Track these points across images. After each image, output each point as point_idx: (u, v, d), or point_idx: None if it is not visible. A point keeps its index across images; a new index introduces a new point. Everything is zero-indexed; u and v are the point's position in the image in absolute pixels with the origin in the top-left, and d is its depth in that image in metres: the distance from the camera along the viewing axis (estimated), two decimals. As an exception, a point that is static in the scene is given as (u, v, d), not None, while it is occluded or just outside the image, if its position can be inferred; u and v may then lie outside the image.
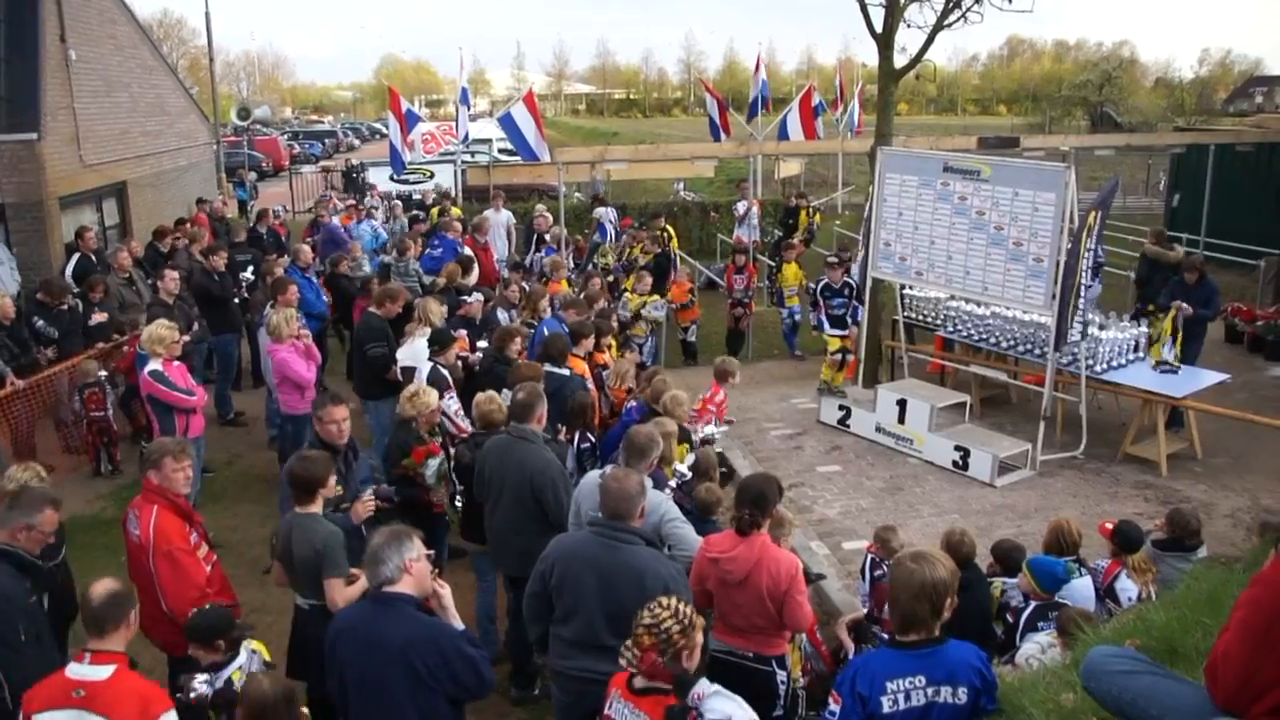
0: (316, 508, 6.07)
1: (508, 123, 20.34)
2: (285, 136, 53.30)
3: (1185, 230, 22.33)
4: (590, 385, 9.91)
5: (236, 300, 13.82)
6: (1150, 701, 3.48)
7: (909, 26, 14.06)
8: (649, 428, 6.56)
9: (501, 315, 12.15)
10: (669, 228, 18.72)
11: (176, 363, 9.65)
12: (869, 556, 7.73)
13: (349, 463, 6.74)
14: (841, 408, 13.18)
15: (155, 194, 20.46)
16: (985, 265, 12.21)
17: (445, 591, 4.93)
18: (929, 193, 12.73)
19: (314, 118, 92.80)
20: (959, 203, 12.40)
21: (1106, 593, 7.20)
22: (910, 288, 14.25)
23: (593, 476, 6.58)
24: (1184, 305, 12.88)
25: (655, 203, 26.39)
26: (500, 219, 18.74)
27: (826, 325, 13.90)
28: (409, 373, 9.87)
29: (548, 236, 17.53)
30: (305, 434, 10.50)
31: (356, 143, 63.46)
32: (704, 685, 4.57)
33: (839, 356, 13.93)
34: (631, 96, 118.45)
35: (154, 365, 9.42)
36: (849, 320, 14.13)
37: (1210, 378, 12.57)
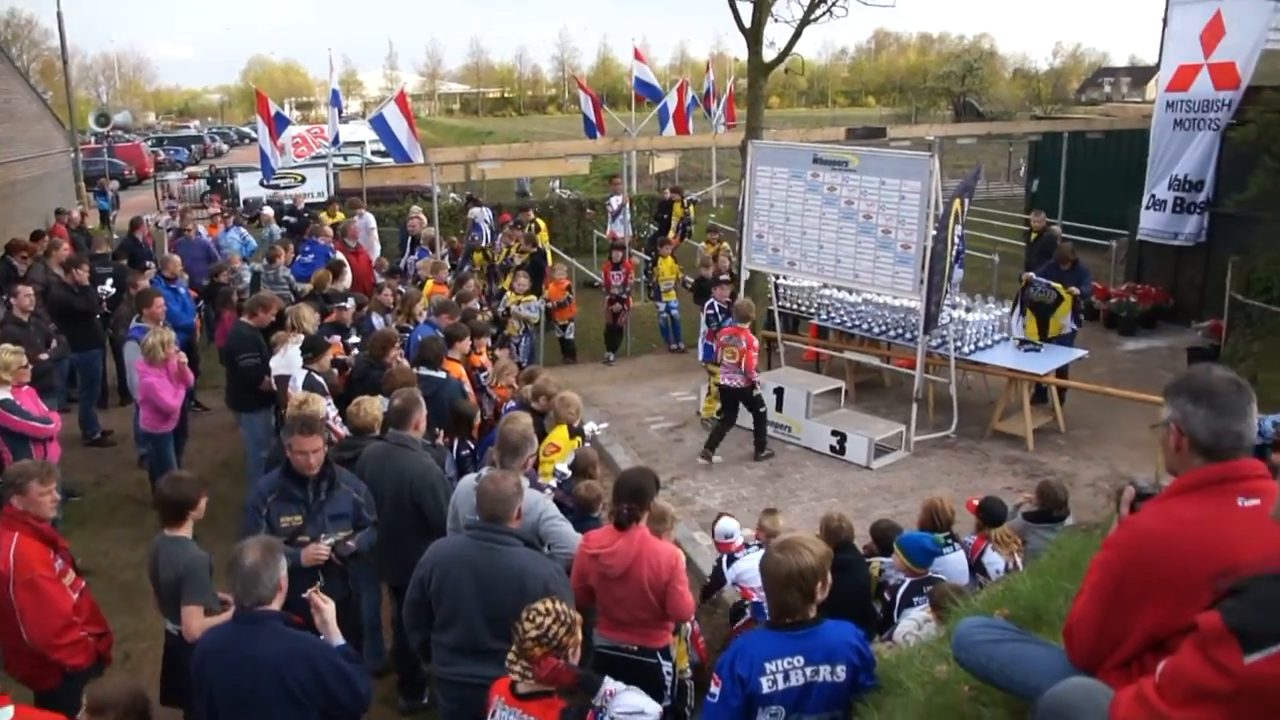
0: (185, 531, 5.92)
1: (380, 124, 20.04)
2: (149, 142, 51.61)
3: (1044, 213, 23.11)
4: (468, 388, 9.83)
5: (99, 314, 13.33)
6: (1014, 667, 3.59)
7: (777, 21, 14.34)
8: (521, 425, 6.53)
9: (376, 320, 11.95)
10: (538, 220, 18.64)
11: (26, 387, 9.12)
12: (723, 556, 7.69)
13: (319, 493, 6.38)
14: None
15: (8, 205, 19.58)
16: (855, 253, 12.46)
17: (328, 607, 4.83)
18: (799, 184, 12.93)
19: (178, 123, 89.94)
20: (829, 193, 12.62)
21: (975, 567, 7.42)
22: (784, 278, 14.47)
23: (469, 480, 6.53)
24: (1032, 277, 13.47)
25: (532, 201, 26.28)
26: (363, 223, 18.42)
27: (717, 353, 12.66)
28: (283, 382, 9.64)
29: (422, 239, 17.32)
30: (168, 453, 10.29)
31: (225, 148, 61.78)
32: (611, 683, 4.62)
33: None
34: (506, 95, 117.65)
35: (3, 394, 8.84)
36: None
37: (1069, 354, 13.06)
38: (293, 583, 4.81)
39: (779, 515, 7.97)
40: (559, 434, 8.47)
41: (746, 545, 7.64)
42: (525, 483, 6.13)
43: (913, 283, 12.03)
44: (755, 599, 7.03)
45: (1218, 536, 3.20)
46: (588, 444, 8.63)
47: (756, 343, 11.79)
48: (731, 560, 7.55)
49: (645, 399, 14.40)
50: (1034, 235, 16.07)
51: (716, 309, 13.01)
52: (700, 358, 13.49)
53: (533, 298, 14.62)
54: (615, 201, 20.54)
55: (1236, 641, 2.71)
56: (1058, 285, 13.33)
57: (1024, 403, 12.41)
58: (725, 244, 16.93)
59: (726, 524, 7.94)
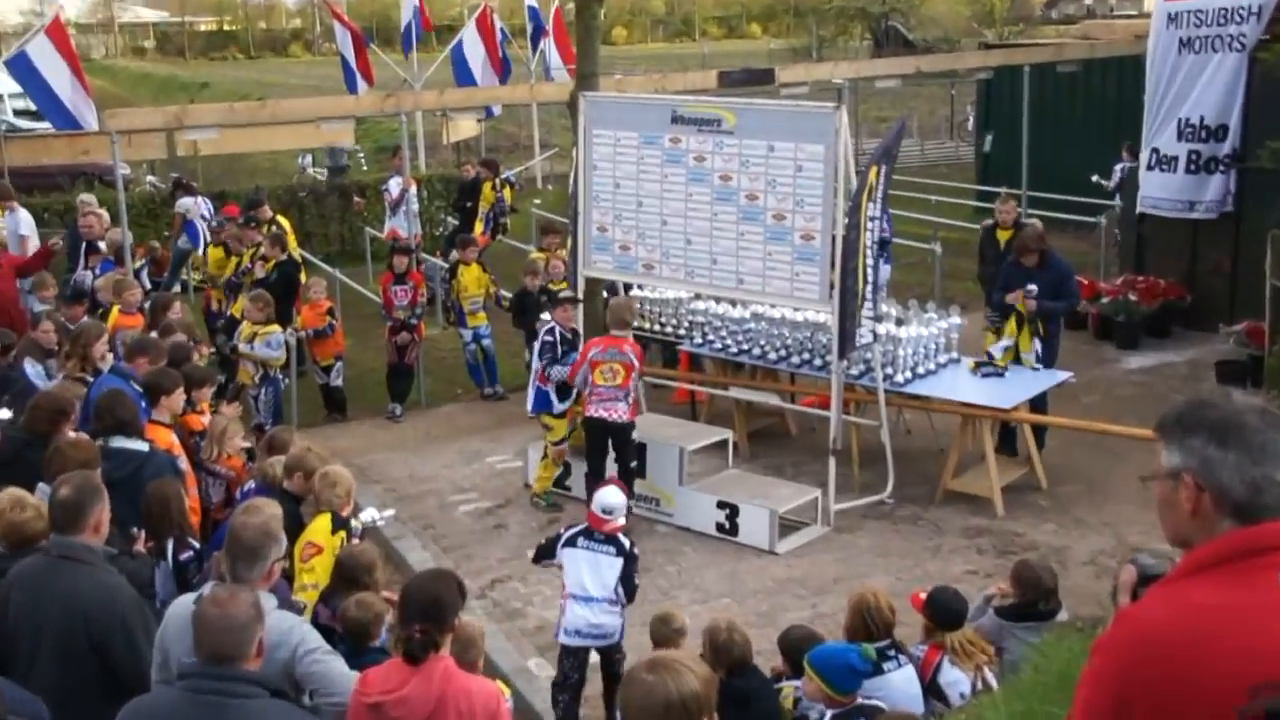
0: None
1: (24, 69, 19.08)
2: None
3: (1003, 182, 23.81)
4: (184, 464, 9.64)
5: None
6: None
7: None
8: (262, 517, 6.41)
9: (31, 370, 11.61)
10: (280, 219, 18.44)
11: None
12: None
13: None
14: (546, 495, 13.34)
15: None
16: (738, 250, 12.69)
17: None
18: (654, 153, 13.12)
19: None
20: (695, 165, 12.83)
21: (930, 688, 7.55)
22: (638, 288, 14.57)
23: (184, 604, 6.35)
24: (1030, 289, 13.38)
25: (270, 187, 25.97)
26: (11, 223, 17.78)
27: (555, 400, 13.09)
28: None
29: (103, 245, 16.87)
30: None
31: None
32: None
33: (566, 443, 13.24)
34: (227, 28, 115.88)
35: None
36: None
37: (1048, 378, 13.50)
38: None
39: (676, 616, 8.13)
40: (320, 527, 8.35)
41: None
42: (270, 603, 6.00)
43: (819, 288, 12.29)
44: None
45: (1253, 633, 3.19)
46: (358, 538, 8.54)
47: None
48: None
49: (450, 468, 14.40)
50: (1001, 233, 15.13)
51: (557, 336, 13.02)
52: (530, 409, 13.51)
53: (277, 328, 14.44)
54: (394, 185, 20.48)
55: None
56: (1018, 300, 13.40)
57: (987, 450, 12.77)
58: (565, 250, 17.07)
59: (610, 496, 9.29)
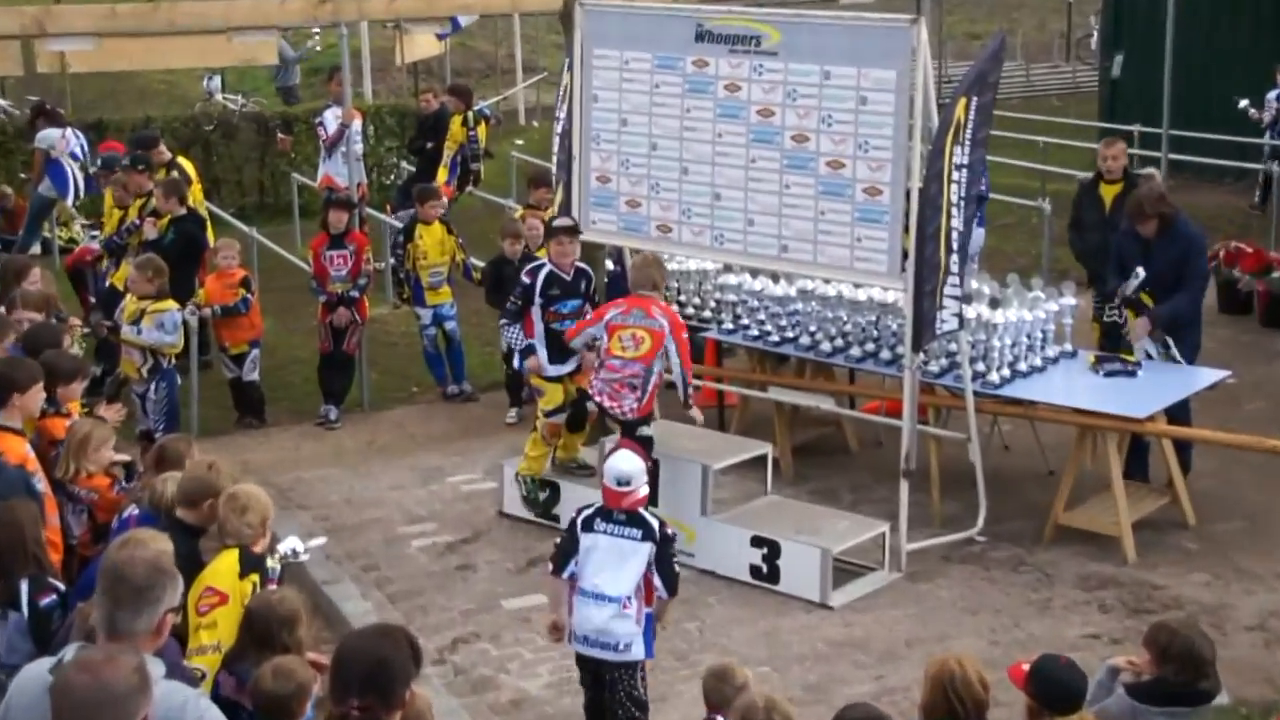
0: None
1: None
2: None
3: (1135, 117, 23.76)
4: (42, 484, 9.64)
5: None
6: None
7: None
8: (148, 554, 6.36)
9: None
10: (180, 161, 18.36)
11: None
12: None
13: None
14: (542, 484, 13.31)
15: None
16: (781, 208, 12.67)
17: None
18: (673, 81, 13.08)
19: None
20: (726, 96, 12.79)
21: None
22: (653, 254, 14.58)
23: (35, 674, 6.29)
24: (1133, 280, 13.38)
25: (166, 118, 25.93)
26: None
27: (545, 362, 13.28)
28: None
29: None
30: None
31: None
32: None
33: (563, 415, 13.39)
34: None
35: None
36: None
37: (1197, 378, 13.46)
38: None
39: (737, 674, 8.24)
40: (224, 569, 8.30)
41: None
42: (157, 669, 5.95)
43: (889, 258, 12.23)
44: None
45: None
46: (276, 582, 8.50)
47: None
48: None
49: (400, 491, 14.39)
50: (1106, 189, 14.96)
51: (540, 279, 13.03)
52: (516, 363, 13.80)
53: (173, 305, 14.41)
54: (331, 119, 20.37)
55: None
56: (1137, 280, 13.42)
57: (1113, 473, 12.68)
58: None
59: (623, 462, 9.66)
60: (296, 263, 18.67)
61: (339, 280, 16.07)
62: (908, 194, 11.99)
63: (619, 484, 9.52)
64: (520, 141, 26.16)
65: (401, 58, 32.92)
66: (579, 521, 9.64)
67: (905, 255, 12.05)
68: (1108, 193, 14.83)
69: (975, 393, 12.88)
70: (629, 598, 9.34)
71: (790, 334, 14.07)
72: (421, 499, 14.22)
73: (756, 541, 12.22)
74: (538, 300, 13.05)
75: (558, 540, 9.96)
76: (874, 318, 13.55)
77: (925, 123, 11.94)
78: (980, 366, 13.05)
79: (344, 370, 16.45)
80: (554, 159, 14.90)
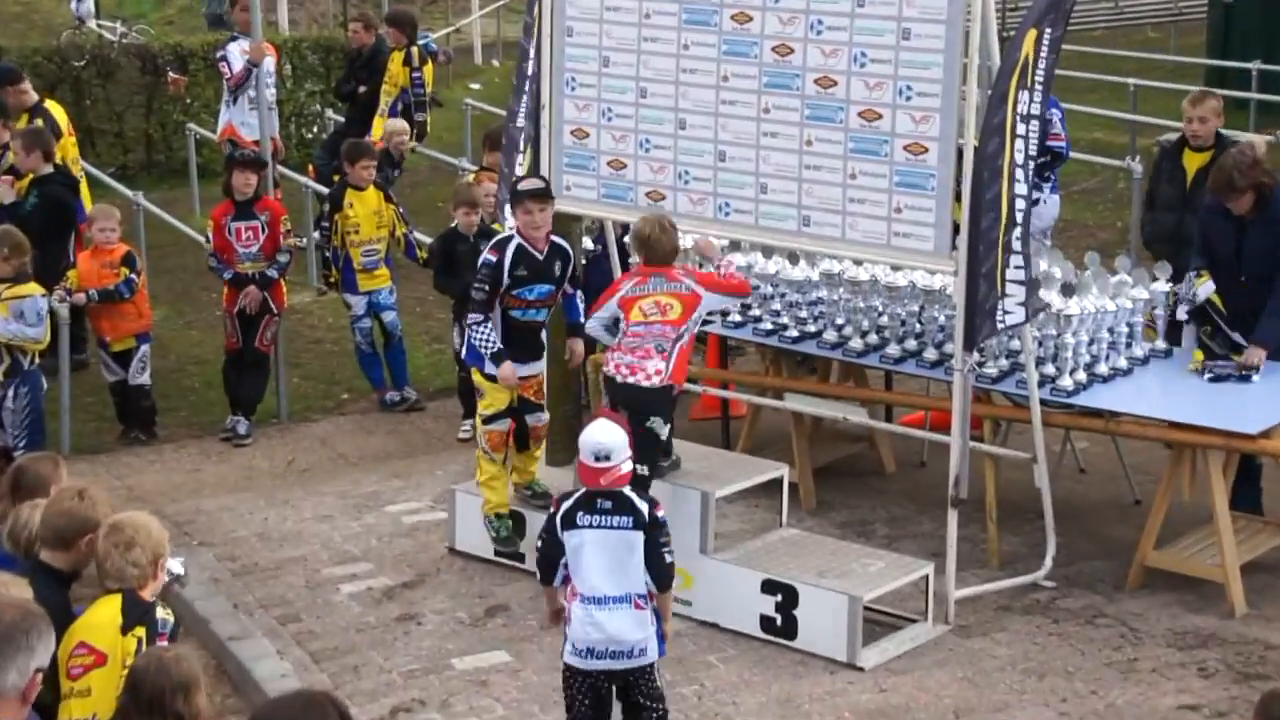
0: None
1: None
2: None
3: (1254, 53, 23.77)
4: None
5: None
6: None
7: None
8: (7, 596, 6.46)
9: None
10: (52, 109, 18.35)
11: None
12: None
13: None
14: (501, 516, 13.28)
15: None
16: (802, 170, 12.68)
17: None
18: (668, 10, 13.11)
19: None
20: (734, 29, 12.82)
21: None
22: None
23: None
24: (1194, 282, 13.48)
25: (22, 50, 25.95)
26: None
27: (487, 361, 12.91)
28: None
29: None
30: None
31: None
32: None
33: (505, 422, 13.11)
34: None
35: None
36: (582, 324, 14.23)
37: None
38: None
39: None
40: (102, 620, 8.30)
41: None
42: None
43: (936, 234, 12.22)
44: None
45: None
46: (167, 636, 8.46)
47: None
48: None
49: (327, 523, 14.44)
50: (1191, 158, 14.88)
51: (507, 255, 12.61)
52: (463, 354, 13.83)
53: (36, 289, 14.42)
54: (235, 54, 20.40)
55: None
56: (1202, 280, 13.55)
57: (1215, 504, 12.68)
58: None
59: (602, 433, 10.05)
60: (194, 236, 18.67)
61: (248, 259, 16.14)
62: (960, 152, 12.01)
63: (596, 459, 9.82)
64: (476, 85, 26.20)
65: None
66: (558, 518, 9.95)
67: (957, 229, 12.05)
68: (1192, 162, 14.80)
69: (1043, 402, 12.88)
70: (640, 595, 9.75)
71: (812, 328, 14.09)
72: (353, 533, 14.23)
73: (769, 586, 12.20)
74: (505, 281, 12.77)
75: (537, 544, 10.30)
76: (917, 308, 13.61)
77: (984, 62, 11.92)
78: (1050, 369, 13.04)
79: (256, 373, 16.49)
80: (519, 108, 14.73)
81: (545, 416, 13.07)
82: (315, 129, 24.84)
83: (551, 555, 9.99)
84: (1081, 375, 13.09)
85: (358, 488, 15.13)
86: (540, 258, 12.76)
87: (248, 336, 16.17)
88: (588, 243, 14.98)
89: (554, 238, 12.93)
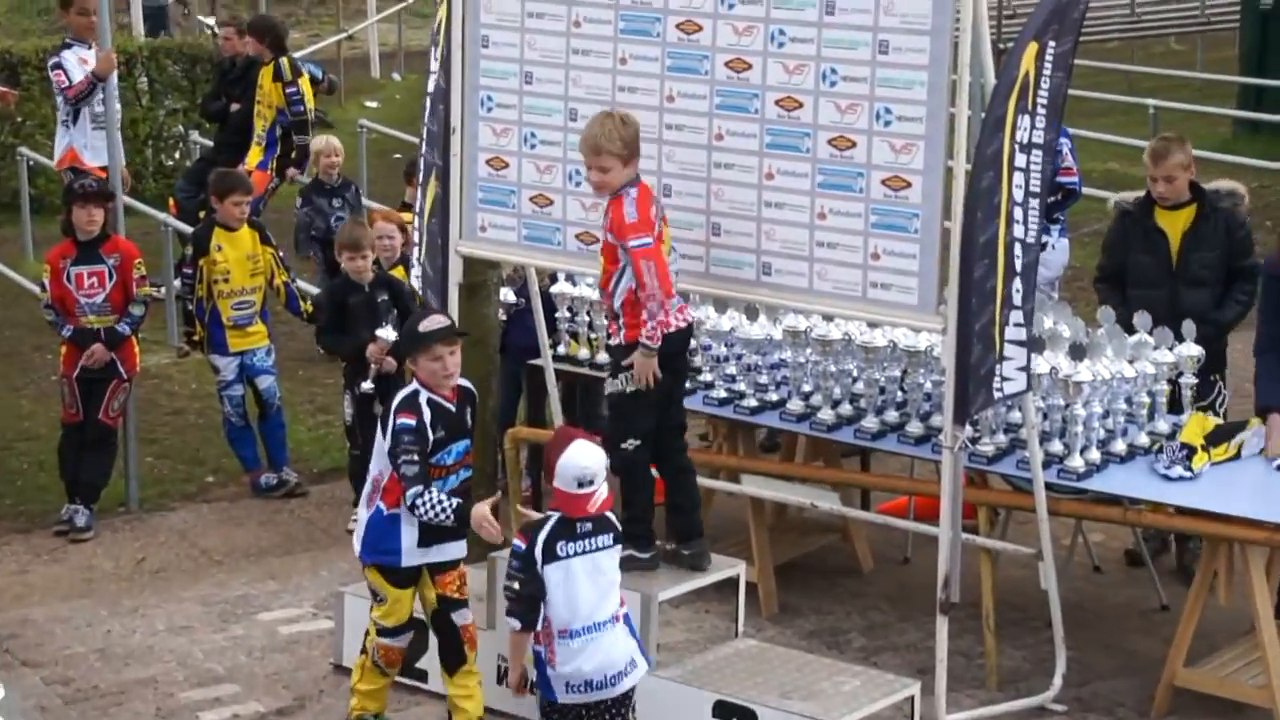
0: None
1: None
2: None
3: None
4: None
5: None
6: None
7: None
8: None
9: None
10: None
11: None
12: None
13: None
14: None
15: None
16: (761, 207, 12.66)
17: None
18: (601, 17, 13.10)
19: None
20: (680, 39, 12.81)
21: None
22: (567, 278, 14.77)
23: None
24: None
25: None
26: None
27: (405, 541, 12.27)
28: None
29: None
30: None
31: None
32: None
33: (406, 636, 12.63)
34: None
35: None
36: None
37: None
38: None
39: None
40: None
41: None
42: None
43: (921, 285, 12.19)
44: None
45: None
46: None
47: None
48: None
49: (184, 635, 14.31)
50: (1164, 212, 14.78)
51: (425, 415, 12.32)
52: (357, 549, 12.64)
53: None
54: (74, 63, 20.38)
55: None
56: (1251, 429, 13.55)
57: (1258, 611, 12.66)
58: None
59: (583, 456, 10.72)
60: (23, 284, 18.66)
61: (93, 311, 16.09)
62: (948, 188, 12.03)
63: (580, 485, 10.51)
64: (373, 104, 26.24)
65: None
66: (537, 554, 10.45)
67: (945, 282, 12.11)
68: (1173, 223, 14.72)
69: (1049, 486, 12.85)
70: (620, 613, 10.48)
71: (774, 397, 14.13)
72: (217, 648, 14.09)
73: (722, 710, 12.10)
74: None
75: (514, 586, 10.68)
76: (898, 373, 13.61)
77: (976, 79, 11.92)
78: (1057, 446, 13.03)
79: (100, 451, 16.40)
80: (422, 132, 14.64)
81: (470, 615, 12.36)
82: (178, 155, 24.77)
83: (535, 594, 10.42)
84: (1095, 454, 13.04)
85: (223, 591, 15.02)
86: (453, 410, 12.25)
87: (90, 406, 16.07)
88: (508, 295, 14.89)
89: (460, 380, 12.39)
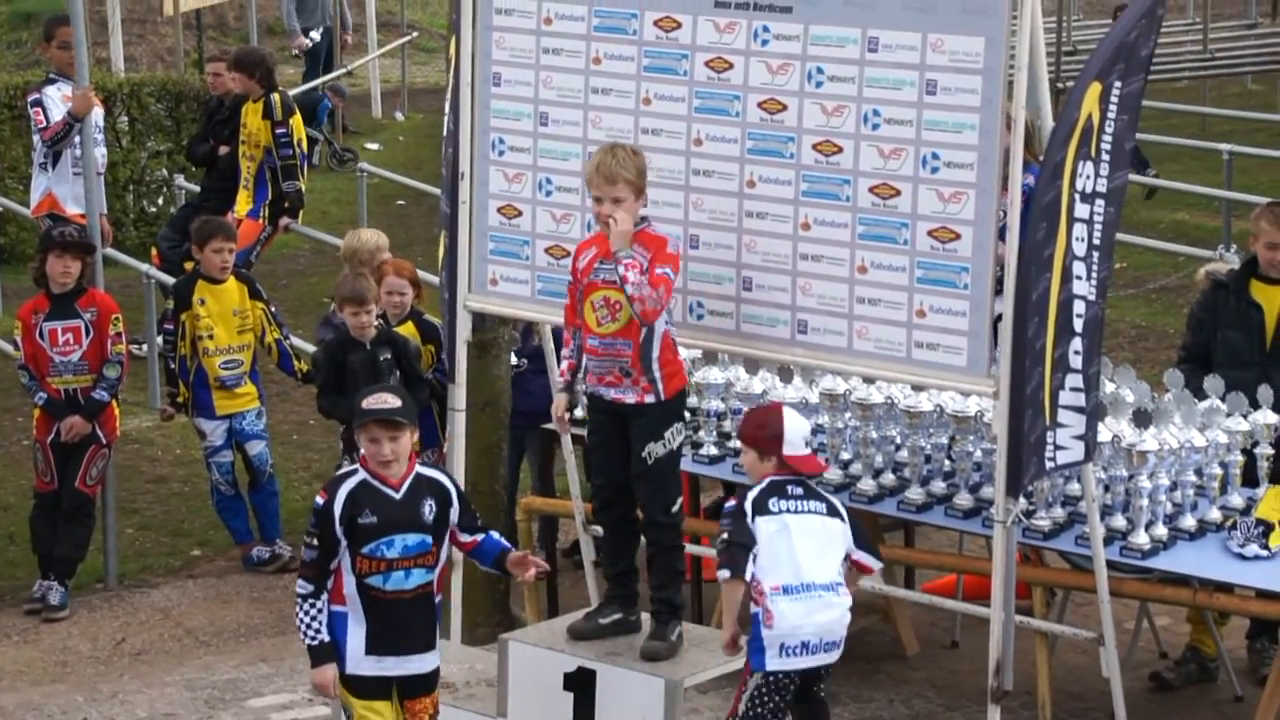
0: None
1: None
2: None
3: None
4: None
5: None
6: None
7: None
8: None
9: None
10: None
11: None
12: None
13: None
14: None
15: None
16: (797, 260, 12.69)
17: None
18: (622, 53, 13.18)
19: None
20: (711, 79, 12.87)
21: None
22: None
23: None
24: None
25: None
26: None
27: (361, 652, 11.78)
28: None
29: None
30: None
31: None
32: None
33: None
34: None
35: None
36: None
37: None
38: None
39: None
40: None
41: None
42: None
43: (971, 344, 12.18)
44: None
45: None
46: None
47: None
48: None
49: (166, 721, 14.49)
50: (1263, 286, 14.45)
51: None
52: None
53: None
54: (54, 100, 20.48)
55: None
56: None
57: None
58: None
59: (799, 416, 11.65)
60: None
61: (68, 370, 16.18)
62: (1002, 239, 12.05)
63: (807, 445, 11.48)
64: (374, 146, 26.25)
65: (175, 2, 33.07)
66: (748, 506, 11.10)
67: (994, 349, 12.08)
68: (1271, 299, 14.53)
69: (1111, 564, 12.86)
70: (840, 585, 10.93)
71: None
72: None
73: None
74: (338, 538, 11.57)
75: (723, 537, 11.23)
76: (946, 440, 13.67)
77: (1034, 123, 11.92)
78: (1120, 521, 13.06)
79: (76, 522, 16.43)
80: (442, 175, 14.67)
81: None
82: (160, 201, 24.82)
83: (744, 541, 10.95)
84: (1161, 530, 13.08)
85: (210, 675, 15.02)
86: (396, 497, 11.62)
87: (66, 474, 16.13)
88: (510, 356, 15.00)
89: (422, 468, 11.87)
